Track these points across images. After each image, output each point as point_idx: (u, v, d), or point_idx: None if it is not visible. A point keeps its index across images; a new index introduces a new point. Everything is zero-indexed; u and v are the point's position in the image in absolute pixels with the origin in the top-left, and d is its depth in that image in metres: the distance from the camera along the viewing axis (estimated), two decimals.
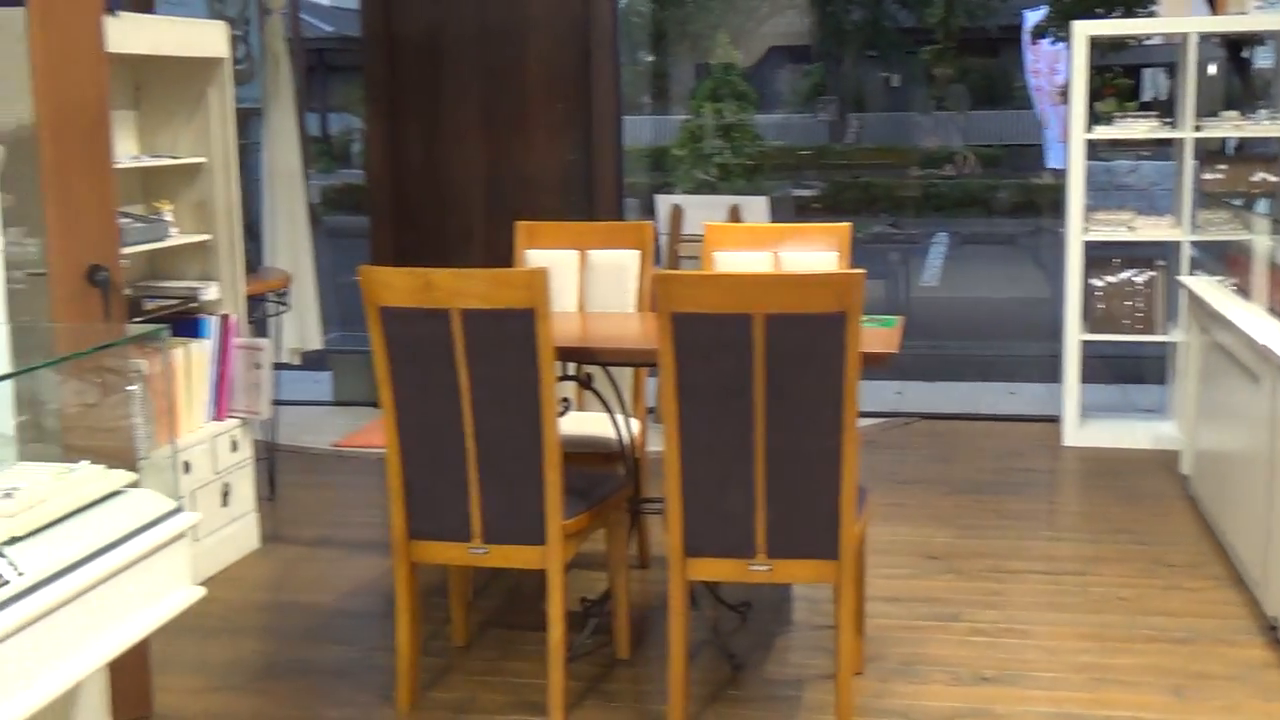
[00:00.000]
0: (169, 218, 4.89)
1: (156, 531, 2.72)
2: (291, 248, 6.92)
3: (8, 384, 2.91)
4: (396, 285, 3.53)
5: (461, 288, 3.47)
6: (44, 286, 3.55)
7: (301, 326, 6.75)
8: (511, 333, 3.47)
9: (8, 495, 2.51)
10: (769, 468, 3.40)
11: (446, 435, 3.60)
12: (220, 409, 5.03)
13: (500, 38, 7.06)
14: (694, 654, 3.59)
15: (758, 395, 3.35)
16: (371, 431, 6.93)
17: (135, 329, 3.70)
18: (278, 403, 5.55)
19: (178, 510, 2.81)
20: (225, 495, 5.01)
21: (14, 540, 2.39)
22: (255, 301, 5.54)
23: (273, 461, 5.87)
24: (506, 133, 7.08)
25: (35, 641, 2.31)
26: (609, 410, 4.20)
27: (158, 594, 2.73)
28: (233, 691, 4.01)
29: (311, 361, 7.30)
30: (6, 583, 2.28)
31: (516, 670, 4.06)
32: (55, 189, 3.47)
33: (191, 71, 4.93)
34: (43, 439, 3.21)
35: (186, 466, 4.74)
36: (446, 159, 7.19)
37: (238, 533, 5.10)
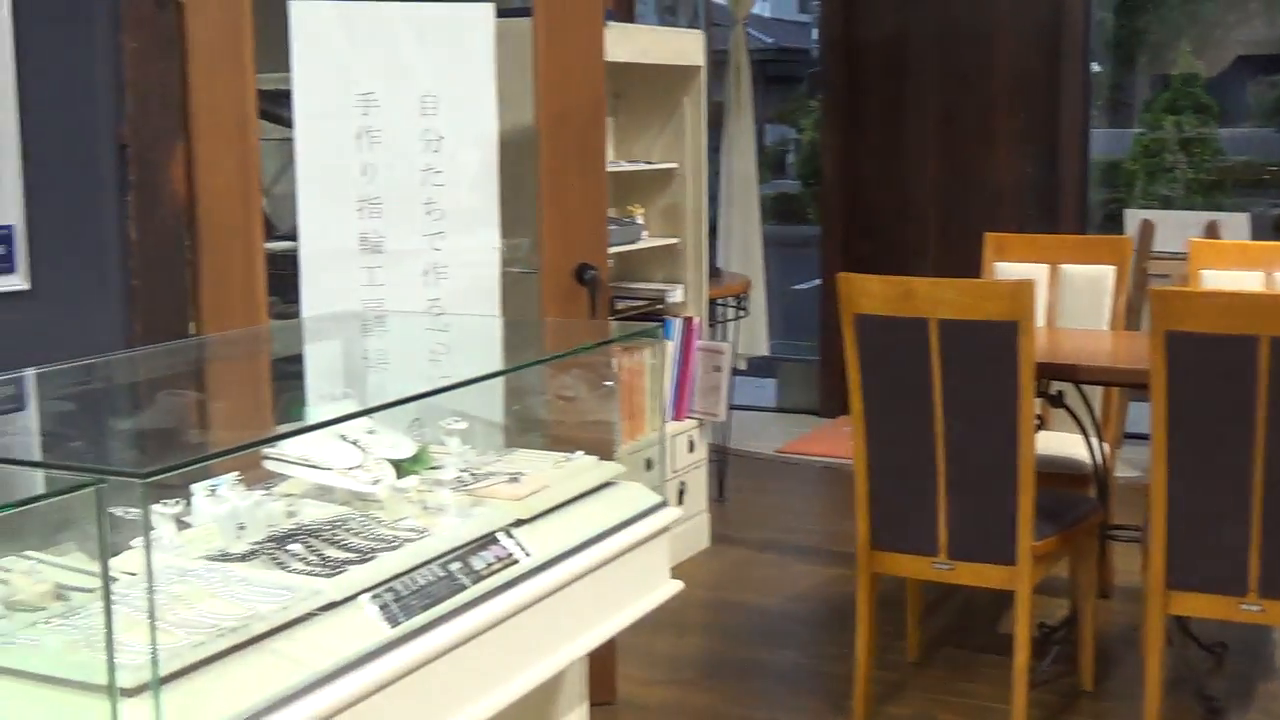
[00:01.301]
0: (640, 221, 5.04)
1: (643, 524, 2.78)
2: (744, 254, 7.02)
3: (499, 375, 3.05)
4: (874, 293, 3.50)
5: (942, 297, 3.41)
6: (524, 282, 3.72)
7: (750, 332, 6.84)
8: (991, 345, 3.38)
9: (514, 479, 2.63)
10: (1268, 501, 3.17)
11: (916, 446, 3.54)
12: (679, 409, 5.14)
13: (963, 42, 6.94)
14: (1165, 692, 3.40)
15: (1259, 423, 3.13)
16: (815, 439, 6.95)
17: (634, 327, 3.83)
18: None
19: (662, 504, 2.87)
20: (680, 494, 5.13)
21: (520, 523, 2.50)
22: (712, 305, 5.64)
23: (724, 464, 5.97)
24: (966, 142, 6.95)
25: (539, 620, 2.40)
26: (1083, 430, 4.03)
27: (641, 585, 2.79)
28: (684, 686, 4.09)
29: (756, 367, 7.39)
30: (516, 561, 2.38)
31: (972, 691, 3.96)
32: (551, 190, 3.62)
33: (669, 79, 5.07)
34: (526, 429, 3.36)
35: (648, 464, 4.86)
36: (903, 168, 7.13)
37: (690, 531, 5.20)
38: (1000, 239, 4.73)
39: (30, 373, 2.55)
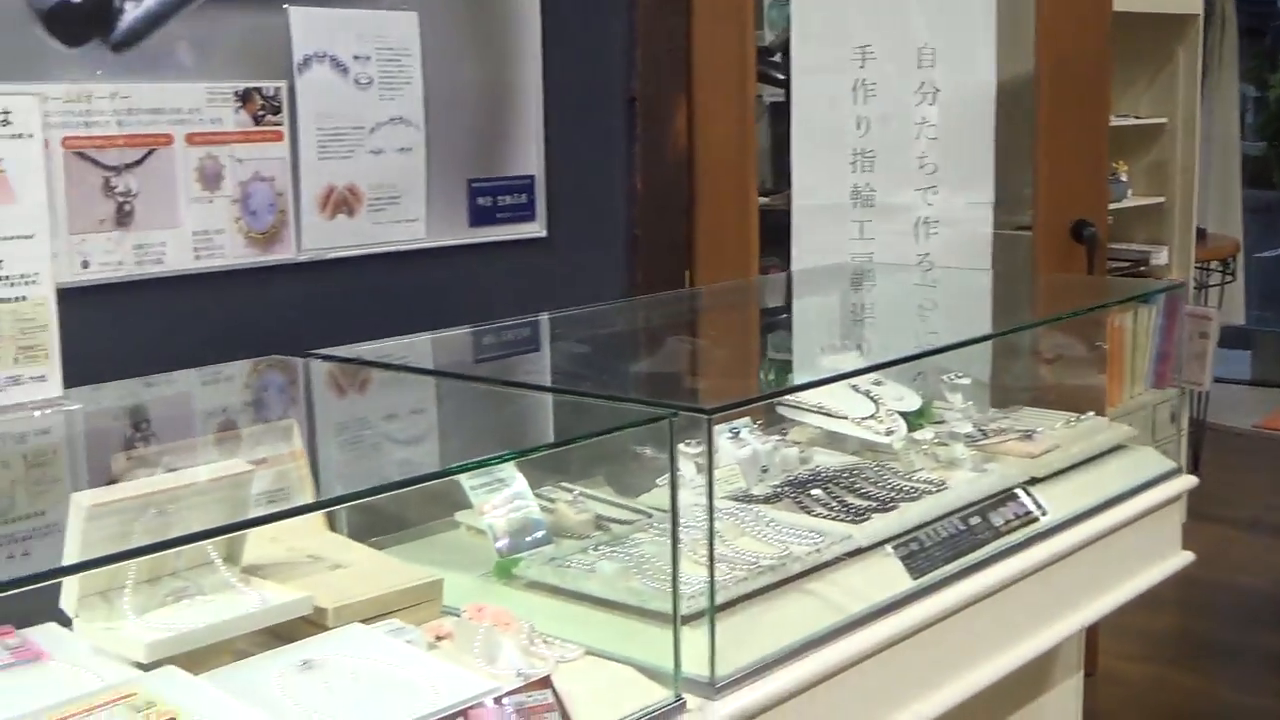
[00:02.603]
0: (1124, 178, 4.83)
1: (1157, 491, 2.66)
2: (1222, 217, 6.63)
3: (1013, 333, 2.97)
4: None
5: None
6: (1015, 241, 3.61)
7: (1229, 299, 6.45)
8: None
9: (1027, 436, 2.56)
10: None
11: None
12: (1161, 377, 4.90)
13: None
14: None
15: None
16: None
17: (1139, 285, 3.67)
18: None
19: (1176, 471, 2.74)
20: None
21: (1033, 481, 2.43)
22: (1197, 269, 5.35)
23: (1200, 437, 5.66)
24: None
25: (1055, 582, 2.33)
26: None
27: (1153, 554, 2.68)
28: (1165, 664, 3.91)
29: (1228, 338, 6.97)
30: (1035, 520, 2.32)
31: None
32: (1047, 142, 3.50)
33: (1159, 29, 4.82)
34: (1018, 387, 3.26)
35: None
36: None
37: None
38: None
39: (544, 316, 2.69)
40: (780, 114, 4.06)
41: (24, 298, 1.69)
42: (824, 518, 2.14)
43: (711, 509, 1.69)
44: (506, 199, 2.98)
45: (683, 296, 3.12)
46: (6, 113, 1.66)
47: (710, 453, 1.70)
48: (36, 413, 1.73)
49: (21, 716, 1.38)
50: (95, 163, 2.30)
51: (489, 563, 1.99)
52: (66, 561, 1.48)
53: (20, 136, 1.67)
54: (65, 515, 1.57)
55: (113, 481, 1.70)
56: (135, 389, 2.05)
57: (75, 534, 1.49)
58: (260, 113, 2.52)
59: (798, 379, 2.40)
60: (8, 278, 1.67)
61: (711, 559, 1.70)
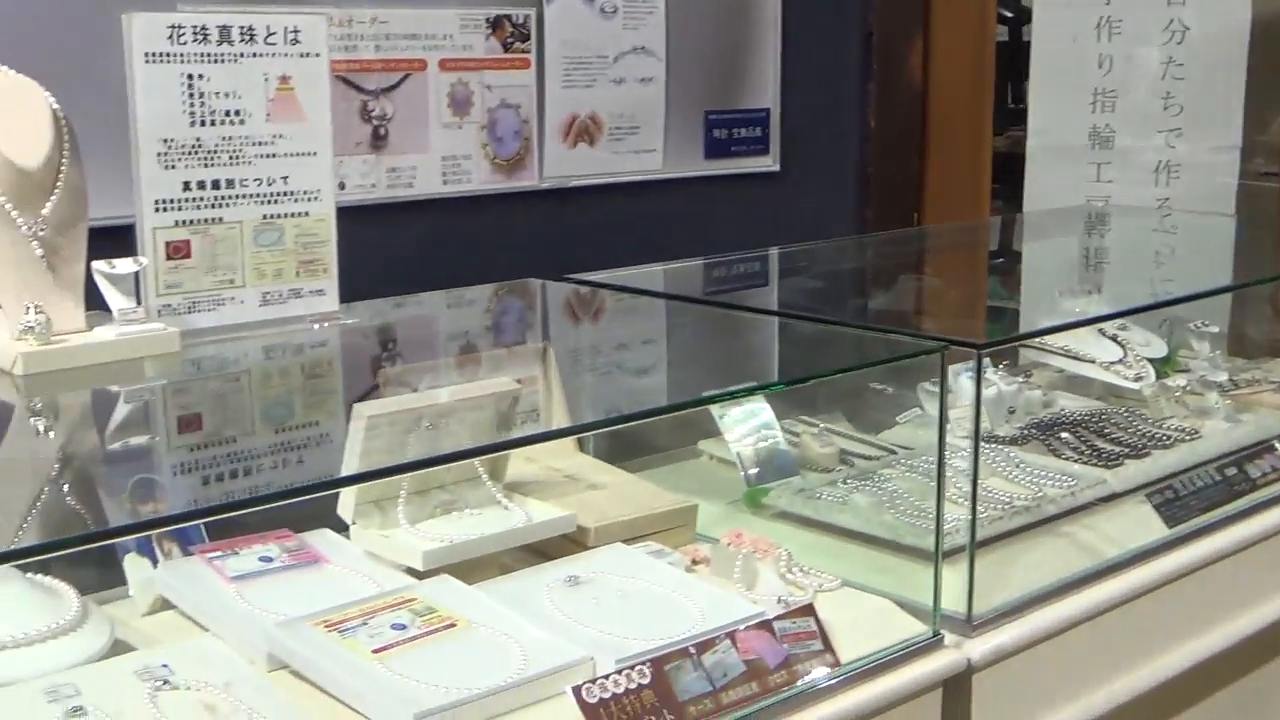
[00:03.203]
0: None
1: None
2: None
3: None
4: None
5: None
6: (1261, 190, 3.47)
7: None
8: None
9: None
10: None
11: None
12: None
13: None
14: None
15: None
16: None
17: None
18: None
19: None
20: None
21: None
22: None
23: None
24: None
25: None
26: None
27: None
28: None
29: None
30: None
31: None
32: None
33: None
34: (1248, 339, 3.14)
35: None
36: None
37: None
38: None
39: (780, 250, 2.67)
40: (1001, 53, 3.95)
41: (307, 214, 1.73)
42: (1074, 461, 2.10)
43: (977, 446, 1.67)
44: (741, 132, 2.97)
45: (921, 234, 3.08)
46: (296, 31, 1.70)
47: (980, 387, 1.67)
48: (315, 326, 1.78)
49: (309, 615, 1.43)
50: (354, 86, 2.36)
51: (733, 492, 2.00)
52: (346, 471, 1.53)
53: (308, 55, 1.71)
54: (339, 426, 1.62)
55: (382, 395, 1.75)
56: (389, 308, 2.09)
57: (355, 443, 1.53)
58: (509, 40, 2.55)
59: (1046, 321, 2.34)
60: (293, 193, 1.72)
61: (975, 496, 1.68)
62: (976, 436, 1.67)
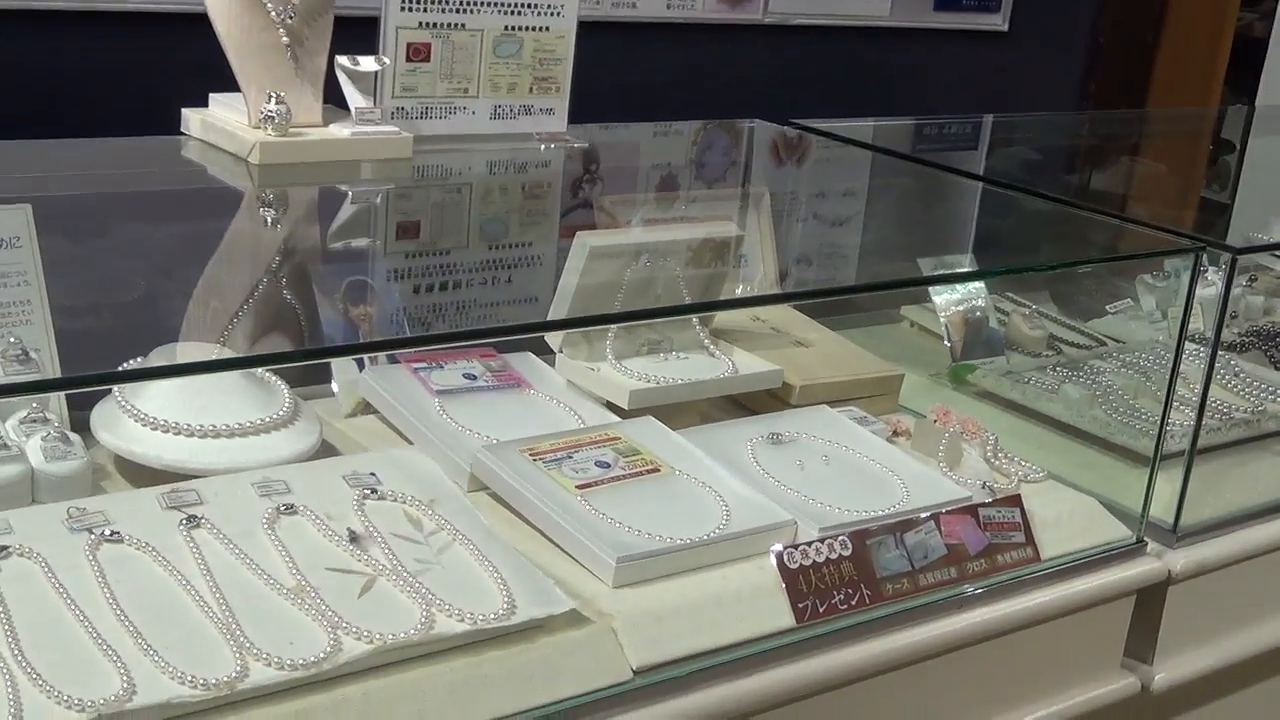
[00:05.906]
0: None
1: None
2: None
3: None
4: None
5: None
6: None
7: None
8: None
9: None
10: None
11: None
12: None
13: None
14: None
15: None
16: None
17: None
18: None
19: None
20: None
21: None
22: None
23: None
24: None
25: None
26: None
27: None
28: None
29: None
30: None
31: None
32: None
33: None
34: None
35: None
36: None
37: None
38: None
39: (990, 118, 2.57)
40: None
41: (548, 29, 1.68)
42: None
43: (1214, 354, 1.59)
44: None
45: (1167, 115, 2.93)
46: None
47: (1228, 292, 1.59)
48: (542, 146, 1.74)
49: (514, 441, 1.42)
50: None
51: (933, 364, 1.94)
52: (560, 298, 1.50)
53: None
54: (553, 250, 1.59)
55: (600, 224, 1.71)
56: (614, 134, 2.05)
57: (574, 271, 1.50)
58: None
59: None
60: (535, 6, 1.66)
61: (1203, 405, 1.61)
62: (1216, 343, 1.59)
